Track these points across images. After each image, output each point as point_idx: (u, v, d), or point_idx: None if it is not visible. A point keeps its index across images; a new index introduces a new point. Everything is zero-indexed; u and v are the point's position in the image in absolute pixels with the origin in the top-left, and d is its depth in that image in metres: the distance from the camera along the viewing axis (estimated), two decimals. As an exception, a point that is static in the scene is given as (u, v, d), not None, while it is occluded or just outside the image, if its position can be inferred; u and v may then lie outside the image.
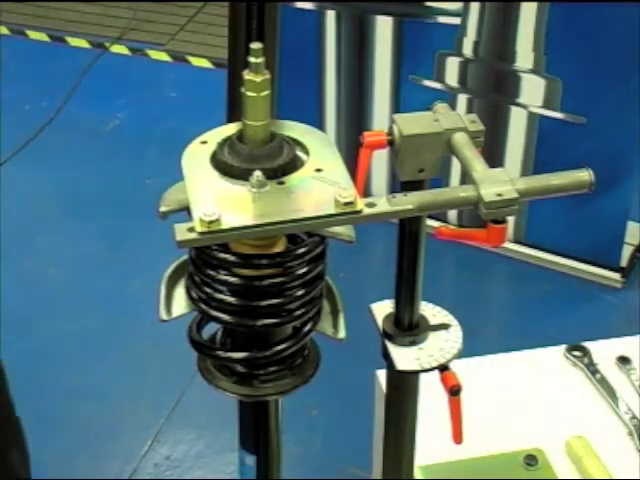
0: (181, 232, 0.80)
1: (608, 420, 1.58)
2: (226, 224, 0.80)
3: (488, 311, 2.96)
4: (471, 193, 0.83)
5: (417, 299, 0.96)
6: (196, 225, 0.80)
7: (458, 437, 0.96)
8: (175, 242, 0.81)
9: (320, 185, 0.84)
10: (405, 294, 0.95)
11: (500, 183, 0.83)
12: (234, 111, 0.95)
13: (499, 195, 0.82)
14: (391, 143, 0.89)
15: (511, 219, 0.83)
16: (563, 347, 1.70)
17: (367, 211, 0.82)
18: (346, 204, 0.81)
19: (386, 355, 0.96)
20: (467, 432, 0.99)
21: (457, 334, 0.96)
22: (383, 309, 0.99)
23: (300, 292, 0.90)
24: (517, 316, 2.91)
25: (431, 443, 1.35)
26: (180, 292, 0.94)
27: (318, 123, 3.02)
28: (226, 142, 0.90)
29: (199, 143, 0.90)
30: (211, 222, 0.79)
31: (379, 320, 0.98)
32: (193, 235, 0.79)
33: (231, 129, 0.91)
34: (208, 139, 0.90)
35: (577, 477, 1.48)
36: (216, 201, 0.82)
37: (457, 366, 0.97)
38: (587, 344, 1.70)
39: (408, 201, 0.83)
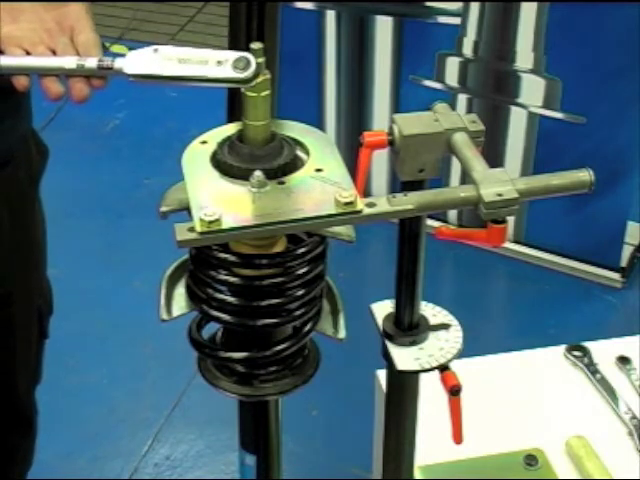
0: (181, 232, 0.80)
1: (608, 420, 1.58)
2: (226, 224, 0.80)
3: (488, 311, 2.96)
4: (471, 193, 0.84)
5: (417, 299, 0.96)
6: (196, 225, 0.80)
7: (458, 437, 0.96)
8: (175, 242, 0.81)
9: (320, 185, 0.84)
10: (405, 294, 0.95)
11: (500, 183, 0.83)
12: (234, 111, 0.95)
13: (499, 195, 0.82)
14: (391, 143, 0.89)
15: (511, 219, 0.83)
16: (563, 347, 1.70)
17: (367, 211, 0.82)
18: (346, 204, 0.82)
19: (386, 355, 0.96)
20: (467, 432, 0.99)
21: (457, 334, 0.96)
22: (383, 309, 0.99)
23: (300, 292, 0.90)
24: (517, 316, 2.91)
25: (431, 443, 1.35)
26: (180, 292, 0.94)
27: (318, 123, 3.02)
28: (226, 142, 0.90)
29: (199, 143, 0.90)
30: (211, 222, 0.80)
31: (379, 320, 0.98)
32: (193, 235, 0.80)
33: (231, 129, 0.91)
34: (208, 139, 0.91)
35: (577, 477, 1.48)
36: (216, 201, 0.82)
37: (457, 366, 0.97)
38: (587, 344, 1.70)
39: (408, 201, 0.83)
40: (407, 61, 2.84)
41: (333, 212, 0.82)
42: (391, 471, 1.07)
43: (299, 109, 2.71)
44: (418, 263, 0.95)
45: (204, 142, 0.90)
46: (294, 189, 0.84)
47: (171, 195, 0.87)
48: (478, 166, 0.85)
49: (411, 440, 1.03)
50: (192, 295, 0.92)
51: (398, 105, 2.89)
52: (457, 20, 2.76)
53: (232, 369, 0.95)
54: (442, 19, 2.77)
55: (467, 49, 2.78)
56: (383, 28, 2.84)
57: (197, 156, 0.89)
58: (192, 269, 0.91)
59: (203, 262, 0.89)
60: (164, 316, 0.92)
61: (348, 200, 0.81)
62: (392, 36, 2.83)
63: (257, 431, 1.01)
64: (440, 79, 2.84)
